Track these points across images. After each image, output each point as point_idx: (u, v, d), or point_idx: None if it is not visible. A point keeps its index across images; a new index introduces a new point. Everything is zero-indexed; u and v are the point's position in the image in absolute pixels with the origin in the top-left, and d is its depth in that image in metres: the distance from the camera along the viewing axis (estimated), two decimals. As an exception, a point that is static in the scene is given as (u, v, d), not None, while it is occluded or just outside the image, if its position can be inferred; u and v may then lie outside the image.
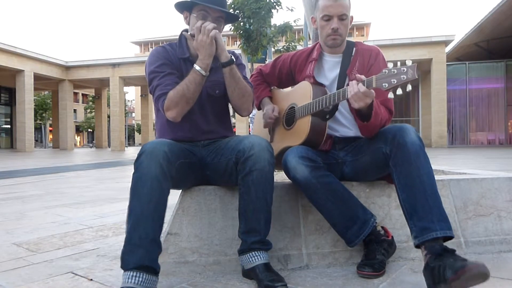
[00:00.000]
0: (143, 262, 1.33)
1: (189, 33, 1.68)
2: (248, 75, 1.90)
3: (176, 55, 1.74)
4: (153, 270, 1.36)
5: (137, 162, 1.42)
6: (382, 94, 1.67)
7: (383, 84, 1.37)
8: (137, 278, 1.31)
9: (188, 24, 1.73)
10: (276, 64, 2.02)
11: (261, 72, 2.09)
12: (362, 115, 1.59)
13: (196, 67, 1.58)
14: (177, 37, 1.81)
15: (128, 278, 1.31)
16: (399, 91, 1.37)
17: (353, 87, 1.46)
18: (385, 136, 1.54)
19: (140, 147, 1.47)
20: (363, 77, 1.46)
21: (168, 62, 1.70)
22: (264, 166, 1.49)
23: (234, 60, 1.64)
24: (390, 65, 1.36)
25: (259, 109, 2.10)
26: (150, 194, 1.37)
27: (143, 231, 1.35)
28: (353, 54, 1.80)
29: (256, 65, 10.79)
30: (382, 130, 1.60)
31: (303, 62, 1.90)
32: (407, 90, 1.35)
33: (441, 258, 1.29)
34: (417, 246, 1.40)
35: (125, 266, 1.34)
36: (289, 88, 2.01)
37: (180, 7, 1.72)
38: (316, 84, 1.79)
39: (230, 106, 1.85)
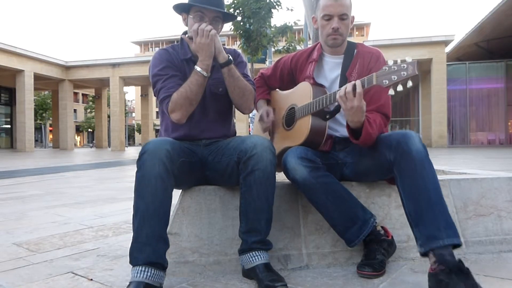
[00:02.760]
0: (151, 259, 1.37)
1: (187, 35, 1.68)
2: (248, 74, 1.90)
3: (178, 57, 1.75)
4: (161, 265, 1.40)
5: (140, 161, 1.43)
6: (378, 99, 1.67)
7: (384, 80, 1.36)
8: (145, 273, 1.35)
9: (187, 25, 1.74)
10: (277, 66, 2.02)
11: (263, 76, 2.09)
12: (353, 131, 1.58)
13: (197, 68, 1.59)
14: (177, 37, 1.83)
15: (137, 273, 1.36)
16: (400, 88, 1.36)
17: (341, 89, 1.47)
18: (388, 143, 1.52)
19: (140, 147, 1.49)
20: (357, 81, 1.46)
21: (171, 65, 1.71)
22: (266, 166, 1.49)
23: (232, 60, 1.64)
24: (390, 62, 1.36)
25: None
26: (154, 193, 1.40)
27: (149, 229, 1.39)
28: (354, 55, 1.79)
29: (256, 65, 10.80)
30: (385, 135, 1.57)
31: (304, 62, 1.90)
32: (408, 86, 1.34)
33: (451, 276, 1.25)
34: (423, 255, 1.37)
35: (133, 262, 1.38)
36: (290, 89, 2.01)
37: (178, 9, 1.73)
38: (316, 85, 1.79)
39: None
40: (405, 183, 1.44)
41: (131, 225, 1.44)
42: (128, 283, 1.36)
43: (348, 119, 1.54)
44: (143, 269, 1.36)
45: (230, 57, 1.64)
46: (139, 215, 1.40)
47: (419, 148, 1.44)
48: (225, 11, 1.72)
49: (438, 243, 1.32)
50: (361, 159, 1.68)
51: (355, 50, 1.80)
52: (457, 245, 1.34)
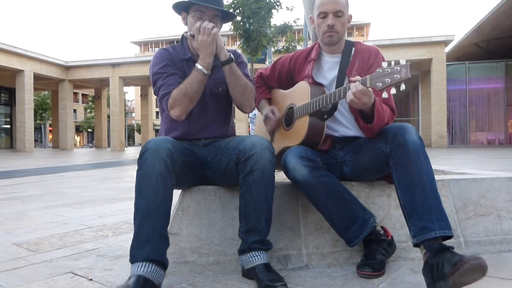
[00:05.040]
0: (151, 256, 1.37)
1: (189, 33, 1.69)
2: (249, 74, 1.90)
3: (178, 56, 1.77)
4: (162, 263, 1.39)
5: (141, 160, 1.43)
6: (381, 93, 1.67)
7: (377, 83, 1.37)
8: (145, 268, 1.35)
9: (186, 24, 1.74)
10: (275, 66, 2.02)
11: (261, 76, 2.10)
12: (365, 117, 1.59)
13: (198, 66, 1.60)
14: (177, 37, 1.84)
15: (137, 268, 1.35)
16: (393, 91, 1.36)
17: (355, 87, 1.46)
18: (385, 135, 1.54)
19: (140, 147, 1.50)
20: (357, 77, 1.46)
21: (171, 63, 1.73)
22: (265, 165, 1.49)
23: (233, 58, 1.66)
24: (384, 64, 1.36)
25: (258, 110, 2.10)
26: (155, 191, 1.40)
27: (150, 227, 1.39)
28: (352, 53, 1.80)
29: (256, 65, 10.79)
30: (382, 129, 1.59)
31: (302, 62, 1.90)
32: (401, 89, 1.35)
33: (439, 255, 1.30)
34: (416, 245, 1.41)
35: (134, 259, 1.38)
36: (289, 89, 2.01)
37: (177, 8, 1.75)
38: (315, 84, 1.79)
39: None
40: (400, 174, 1.46)
41: (131, 225, 1.45)
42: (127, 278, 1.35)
43: (361, 108, 1.54)
44: (143, 264, 1.35)
45: (232, 55, 1.65)
46: (139, 213, 1.40)
47: (414, 140, 1.46)
48: (225, 10, 1.73)
49: (430, 234, 1.35)
50: (360, 156, 1.68)
51: (353, 49, 1.81)
52: (449, 237, 1.37)
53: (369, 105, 1.50)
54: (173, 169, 1.45)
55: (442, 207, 1.41)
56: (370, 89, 1.44)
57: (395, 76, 1.32)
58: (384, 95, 1.38)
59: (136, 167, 1.45)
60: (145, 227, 1.39)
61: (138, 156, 1.46)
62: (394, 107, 1.72)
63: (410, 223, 1.42)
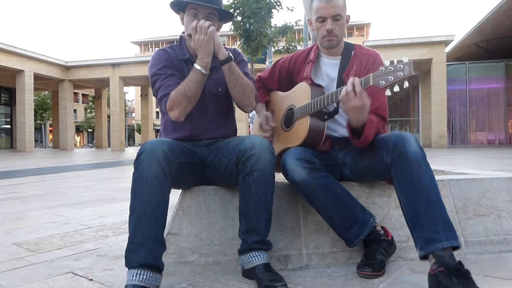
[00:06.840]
0: (146, 260, 1.35)
1: (186, 33, 1.68)
2: (249, 72, 1.89)
3: (176, 57, 1.75)
4: (157, 268, 1.38)
5: (137, 162, 1.43)
6: (374, 101, 1.67)
7: (380, 81, 1.36)
8: (141, 276, 1.34)
9: (183, 24, 1.73)
10: (275, 67, 2.01)
11: (260, 79, 2.08)
12: (353, 132, 1.58)
13: (196, 66, 1.59)
14: (177, 37, 1.82)
15: (133, 276, 1.34)
16: (396, 88, 1.36)
17: (343, 90, 1.47)
18: (385, 145, 1.52)
19: (140, 147, 1.49)
20: (356, 78, 1.46)
21: (169, 64, 1.72)
22: (265, 166, 1.49)
23: (232, 57, 1.64)
24: (387, 62, 1.36)
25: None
26: (150, 193, 1.39)
27: (145, 230, 1.38)
28: (351, 57, 1.79)
29: (256, 65, 10.80)
30: (382, 137, 1.58)
31: (301, 63, 1.89)
32: (404, 87, 1.34)
33: (451, 278, 1.25)
34: (423, 258, 1.37)
35: (129, 264, 1.37)
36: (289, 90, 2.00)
37: (175, 8, 1.74)
38: (314, 85, 1.79)
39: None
40: (402, 185, 1.44)
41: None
42: (124, 287, 1.34)
43: (351, 117, 1.53)
44: (139, 271, 1.34)
45: (230, 54, 1.64)
46: (135, 216, 1.39)
47: (415, 150, 1.44)
48: (221, 8, 1.71)
49: (437, 246, 1.32)
50: (360, 160, 1.68)
51: (353, 52, 1.80)
52: (456, 247, 1.34)
53: (364, 120, 1.50)
54: (169, 171, 1.44)
55: (448, 216, 1.38)
56: (366, 99, 1.43)
57: (398, 73, 1.32)
58: (387, 92, 1.38)
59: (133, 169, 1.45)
60: (140, 230, 1.37)
61: (135, 157, 1.46)
62: (385, 116, 1.71)
63: (415, 235, 1.40)
